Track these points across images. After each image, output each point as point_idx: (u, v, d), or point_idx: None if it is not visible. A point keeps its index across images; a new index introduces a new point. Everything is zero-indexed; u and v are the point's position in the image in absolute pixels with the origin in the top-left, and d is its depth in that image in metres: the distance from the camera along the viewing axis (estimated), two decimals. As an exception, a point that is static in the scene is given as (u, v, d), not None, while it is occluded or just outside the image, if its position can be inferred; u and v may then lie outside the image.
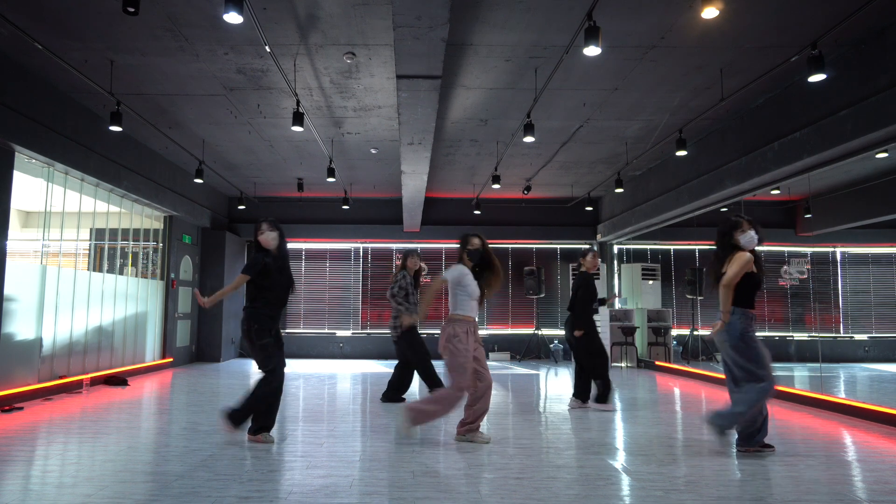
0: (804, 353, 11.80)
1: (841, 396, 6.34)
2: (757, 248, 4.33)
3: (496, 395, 7.04)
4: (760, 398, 4.08)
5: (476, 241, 4.61)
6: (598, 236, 12.71)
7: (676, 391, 7.63)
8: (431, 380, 6.29)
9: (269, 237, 4.54)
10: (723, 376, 4.44)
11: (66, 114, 6.96)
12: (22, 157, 6.47)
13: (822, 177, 7.79)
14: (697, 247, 12.79)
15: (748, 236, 4.23)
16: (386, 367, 10.38)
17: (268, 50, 5.42)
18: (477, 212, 11.75)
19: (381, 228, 12.79)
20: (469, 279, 4.51)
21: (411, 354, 6.31)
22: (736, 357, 4.16)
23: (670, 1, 4.94)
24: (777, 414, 5.78)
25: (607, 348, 11.25)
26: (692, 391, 7.59)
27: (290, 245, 13.20)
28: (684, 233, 11.73)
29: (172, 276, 10.34)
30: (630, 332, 10.98)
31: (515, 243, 13.13)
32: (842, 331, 12.27)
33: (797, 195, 10.62)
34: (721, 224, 4.41)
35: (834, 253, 12.49)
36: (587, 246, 13.09)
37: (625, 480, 3.50)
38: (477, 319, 4.56)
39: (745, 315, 4.16)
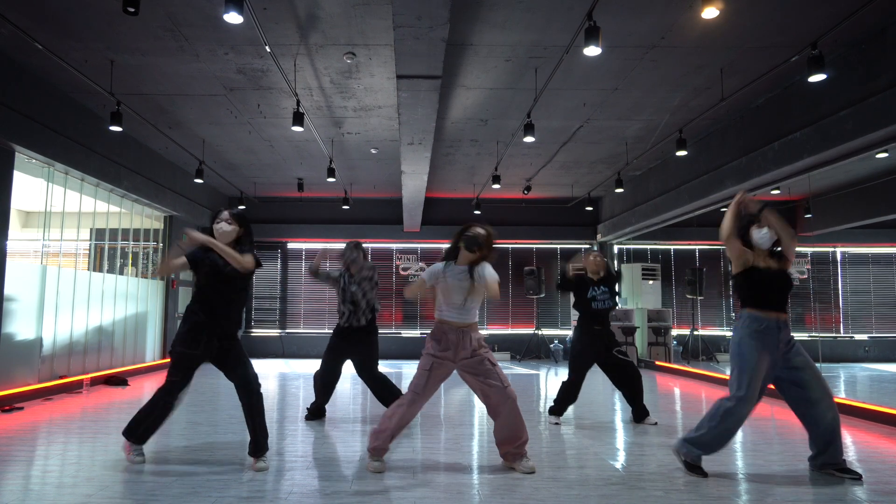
0: (804, 353, 11.79)
1: (841, 396, 6.34)
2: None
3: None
4: (717, 414, 3.57)
5: (477, 229, 3.71)
6: (599, 236, 12.71)
7: (677, 391, 7.62)
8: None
9: (222, 229, 3.66)
10: (721, 376, 4.36)
11: (66, 114, 6.97)
12: (22, 157, 6.47)
13: (822, 177, 7.80)
14: (697, 247, 12.80)
15: (761, 234, 3.75)
16: (386, 368, 10.37)
17: (268, 50, 5.43)
18: (477, 212, 11.75)
19: (381, 228, 12.80)
20: (449, 277, 3.66)
21: None
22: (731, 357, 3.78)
23: (670, 1, 4.95)
24: (777, 414, 5.78)
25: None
26: (692, 391, 7.59)
27: (290, 245, 13.49)
28: (684, 233, 11.75)
29: (172, 276, 10.35)
30: (630, 332, 10.98)
31: (515, 243, 13.13)
32: (842, 331, 12.28)
33: (797, 195, 10.62)
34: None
35: (834, 253, 12.50)
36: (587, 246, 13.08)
37: (625, 480, 3.50)
38: (463, 321, 3.71)
39: (749, 318, 3.65)
